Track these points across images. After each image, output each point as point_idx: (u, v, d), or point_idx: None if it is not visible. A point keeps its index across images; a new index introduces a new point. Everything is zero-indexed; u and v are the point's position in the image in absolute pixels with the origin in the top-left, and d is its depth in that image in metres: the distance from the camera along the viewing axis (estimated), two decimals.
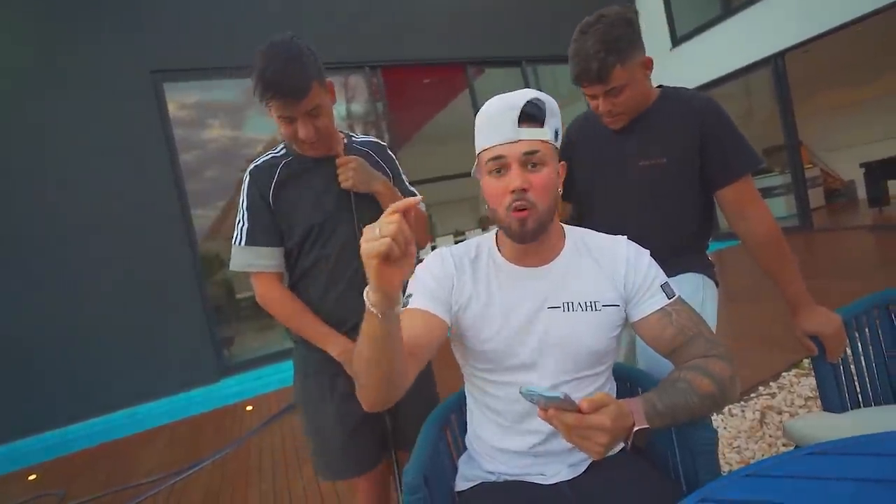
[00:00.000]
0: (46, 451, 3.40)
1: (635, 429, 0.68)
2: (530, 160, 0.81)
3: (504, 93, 0.86)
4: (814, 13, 5.60)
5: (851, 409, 1.08)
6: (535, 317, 0.87)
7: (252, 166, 1.18)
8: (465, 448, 1.02)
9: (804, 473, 0.52)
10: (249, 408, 3.53)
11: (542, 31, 6.58)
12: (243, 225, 1.15)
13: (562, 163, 0.88)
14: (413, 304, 0.87)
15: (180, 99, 4.80)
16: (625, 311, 0.89)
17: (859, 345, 1.10)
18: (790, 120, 6.21)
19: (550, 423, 0.67)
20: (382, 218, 0.62)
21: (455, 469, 1.01)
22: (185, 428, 3.40)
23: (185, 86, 4.81)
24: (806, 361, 2.38)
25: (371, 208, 1.18)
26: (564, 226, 0.95)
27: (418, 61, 6.00)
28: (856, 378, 1.10)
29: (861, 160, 7.26)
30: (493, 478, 0.92)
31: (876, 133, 8.06)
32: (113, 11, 4.36)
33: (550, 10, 6.61)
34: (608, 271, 0.89)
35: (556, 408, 0.65)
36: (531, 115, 0.82)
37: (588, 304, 0.86)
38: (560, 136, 0.87)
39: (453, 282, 0.89)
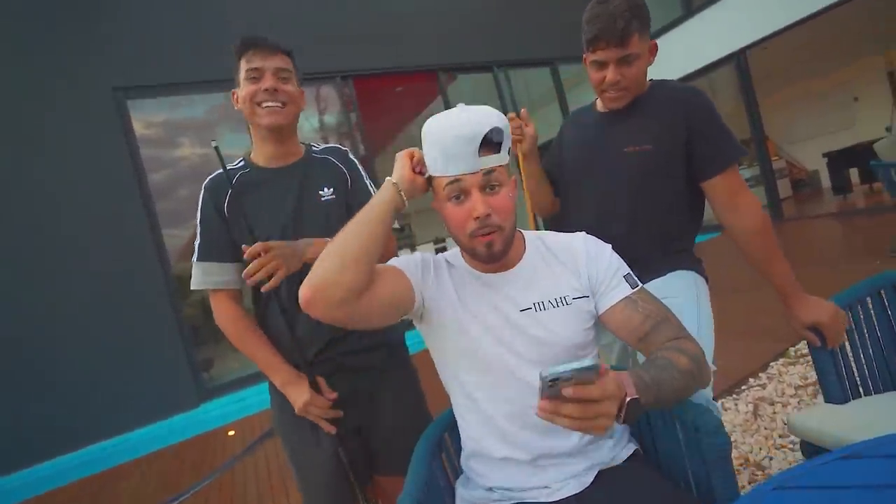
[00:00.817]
0: (11, 494, 3.19)
1: (628, 399, 0.64)
2: (489, 183, 0.82)
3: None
4: (770, 11, 5.80)
5: (853, 399, 1.06)
6: (509, 322, 0.87)
7: (207, 180, 1.15)
8: (461, 470, 0.97)
9: (841, 482, 0.48)
10: (231, 432, 3.39)
11: (513, 35, 6.63)
12: (197, 240, 1.13)
13: (512, 177, 0.88)
14: (389, 262, 0.92)
15: (147, 117, 4.64)
16: (593, 302, 0.90)
17: (855, 333, 1.09)
18: (756, 114, 6.39)
19: (555, 416, 0.59)
20: None
21: (452, 492, 0.95)
22: (163, 459, 3.25)
23: (151, 103, 4.65)
24: (792, 350, 2.40)
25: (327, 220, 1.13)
26: (522, 231, 0.97)
27: (390, 70, 5.96)
28: (854, 367, 1.08)
29: (822, 150, 7.54)
30: (495, 496, 0.87)
31: (833, 124, 8.39)
32: (69, 26, 4.18)
33: (520, 15, 6.68)
34: (570, 266, 0.91)
35: (579, 383, 0.58)
36: (493, 144, 0.82)
37: (559, 299, 0.88)
38: (509, 151, 0.88)
39: (432, 274, 0.91)
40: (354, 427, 1.14)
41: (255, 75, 1.10)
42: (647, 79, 1.20)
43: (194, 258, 1.13)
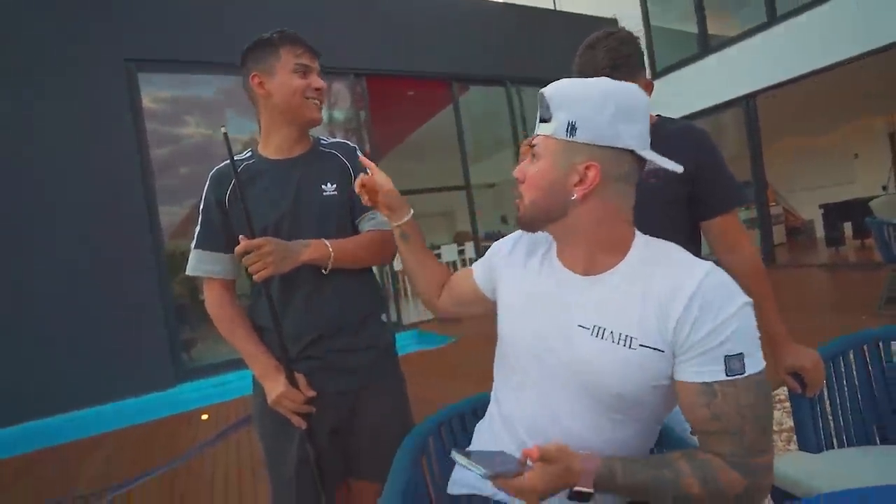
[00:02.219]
0: None
1: (576, 489, 0.65)
2: (532, 151, 0.79)
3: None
4: (783, 60, 5.93)
5: (826, 449, 1.08)
6: (561, 330, 0.77)
7: (214, 170, 1.17)
8: (445, 477, 0.96)
9: None
10: (205, 416, 3.36)
11: (528, 53, 6.72)
12: (197, 227, 1.16)
13: (592, 164, 0.72)
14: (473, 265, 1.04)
15: (155, 91, 4.65)
16: (672, 362, 0.71)
17: (835, 385, 1.11)
18: (758, 158, 6.50)
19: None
20: None
21: (431, 500, 0.95)
22: (134, 435, 3.20)
23: (161, 78, 4.66)
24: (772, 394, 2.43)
25: (326, 212, 1.14)
26: (641, 236, 0.80)
27: (404, 73, 6.01)
28: (831, 419, 1.11)
29: (819, 202, 7.67)
30: (488, 492, 0.84)
31: (833, 177, 8.55)
32: None
33: (536, 34, 6.77)
34: (661, 307, 0.70)
35: (489, 477, 0.65)
36: (541, 112, 0.79)
37: (623, 337, 0.72)
38: (577, 128, 0.73)
39: (505, 259, 0.93)
40: (332, 428, 1.13)
41: (305, 70, 1.13)
42: (655, 114, 1.22)
43: (192, 245, 1.15)
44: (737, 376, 0.66)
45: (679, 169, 0.76)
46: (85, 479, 2.56)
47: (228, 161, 1.14)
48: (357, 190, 1.01)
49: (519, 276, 0.88)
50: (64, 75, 4.02)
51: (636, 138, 0.74)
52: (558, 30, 7.10)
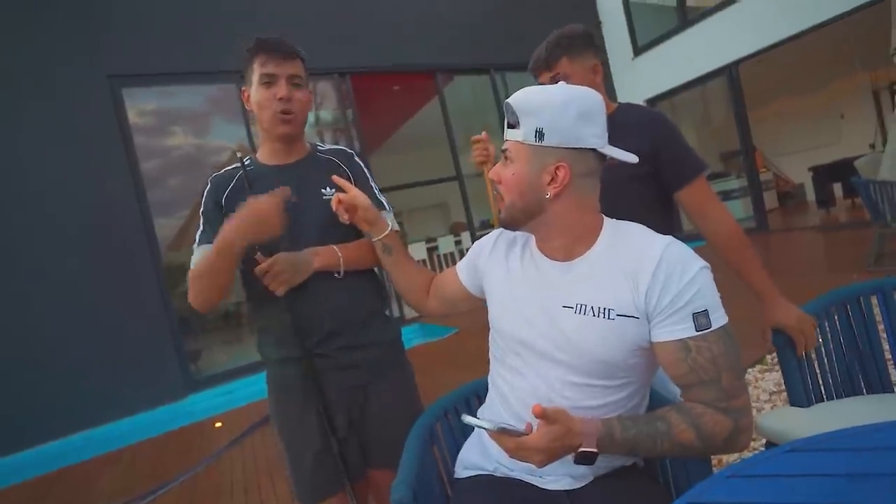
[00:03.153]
0: None
1: (580, 450, 0.71)
2: (505, 155, 0.87)
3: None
4: (763, 26, 5.93)
5: (815, 403, 1.13)
6: (548, 312, 0.85)
7: (213, 175, 1.21)
8: (453, 461, 1.01)
9: (787, 472, 0.54)
10: (218, 424, 3.41)
11: (511, 39, 6.69)
12: (199, 229, 1.19)
13: (561, 164, 0.80)
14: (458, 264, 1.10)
15: (140, 105, 4.64)
16: (648, 326, 0.79)
17: (820, 341, 1.16)
18: (745, 126, 6.53)
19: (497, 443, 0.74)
20: None
21: (443, 481, 1.00)
22: (149, 448, 3.25)
23: (146, 92, 4.65)
24: (769, 357, 2.49)
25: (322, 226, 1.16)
26: (609, 221, 0.88)
27: (388, 69, 5.99)
28: (819, 373, 1.16)
29: (808, 164, 7.72)
30: (490, 468, 0.91)
31: (820, 139, 8.59)
32: (66, 11, 4.17)
33: (519, 18, 6.74)
34: (631, 279, 0.79)
35: (496, 434, 0.71)
36: (508, 119, 0.86)
37: (601, 310, 0.80)
38: (544, 133, 0.80)
39: (487, 258, 1.00)
40: (346, 422, 1.17)
41: (269, 80, 1.11)
42: (617, 101, 1.29)
43: (195, 244, 1.17)
44: (706, 331, 0.75)
45: (634, 159, 0.84)
46: (106, 494, 2.61)
47: (230, 167, 1.20)
48: (334, 208, 1.07)
49: (503, 271, 0.95)
50: (48, 96, 4.01)
51: (596, 137, 0.82)
52: (539, 13, 7.06)
